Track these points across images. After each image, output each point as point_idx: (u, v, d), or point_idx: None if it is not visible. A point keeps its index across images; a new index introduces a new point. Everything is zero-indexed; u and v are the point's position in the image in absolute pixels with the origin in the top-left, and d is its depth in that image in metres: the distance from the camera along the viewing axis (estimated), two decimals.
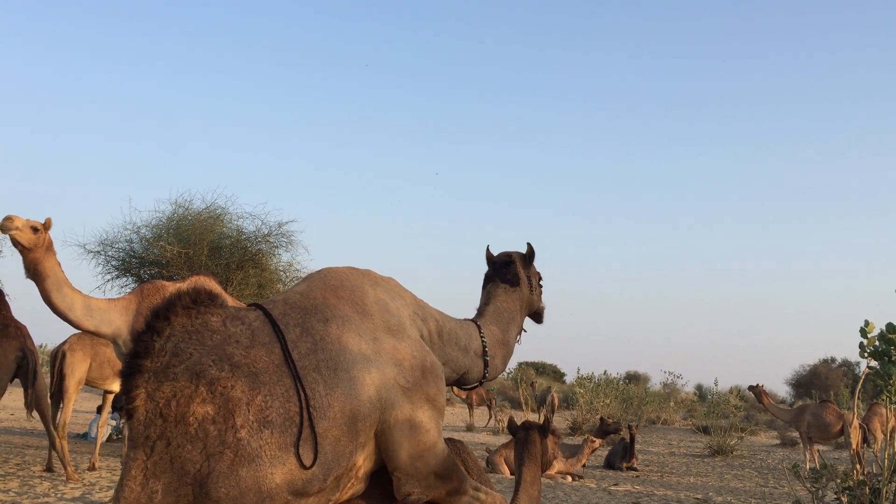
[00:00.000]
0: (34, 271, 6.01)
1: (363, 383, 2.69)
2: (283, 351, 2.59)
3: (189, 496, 2.36)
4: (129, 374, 2.46)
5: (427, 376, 2.96)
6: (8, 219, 5.86)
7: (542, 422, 4.21)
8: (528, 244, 4.23)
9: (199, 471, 2.36)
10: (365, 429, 2.71)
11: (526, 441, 4.12)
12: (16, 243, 5.89)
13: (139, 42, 58.31)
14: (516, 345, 4.22)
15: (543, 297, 4.40)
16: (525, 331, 4.33)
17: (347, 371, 2.67)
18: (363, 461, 2.79)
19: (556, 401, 25.69)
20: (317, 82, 63.02)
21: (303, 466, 2.48)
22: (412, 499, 2.92)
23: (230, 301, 3.07)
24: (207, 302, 2.62)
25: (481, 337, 3.76)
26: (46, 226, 6.06)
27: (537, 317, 4.38)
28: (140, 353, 2.47)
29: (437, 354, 3.39)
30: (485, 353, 3.75)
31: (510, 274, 4.12)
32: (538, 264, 4.35)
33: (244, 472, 2.38)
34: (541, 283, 4.33)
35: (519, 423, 4.23)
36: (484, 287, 4.16)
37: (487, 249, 4.24)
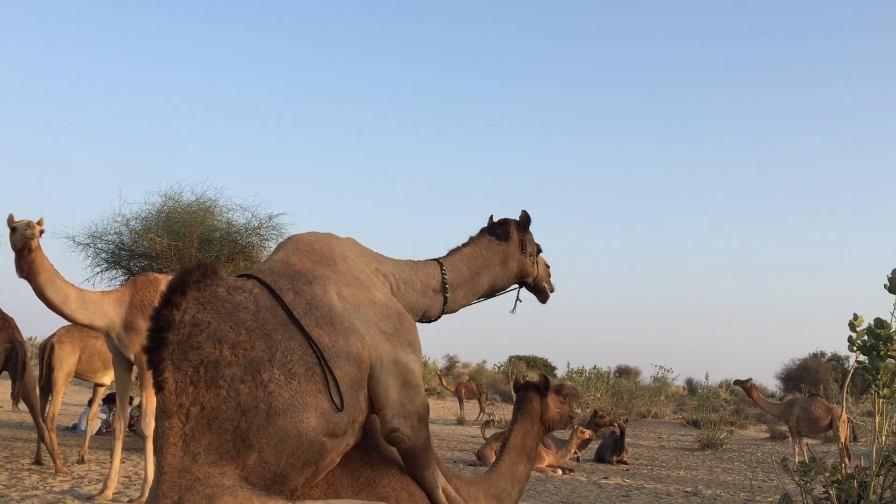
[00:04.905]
0: (29, 270, 6.01)
1: (355, 333, 2.88)
2: (286, 312, 2.75)
3: (232, 451, 2.48)
4: (153, 348, 2.56)
5: (403, 322, 3.17)
6: (32, 226, 5.98)
7: (540, 379, 4.21)
8: (523, 211, 4.36)
9: (237, 427, 2.48)
10: (363, 374, 2.88)
11: (523, 399, 4.16)
12: (26, 248, 5.94)
13: (129, 33, 58.01)
14: (511, 314, 4.41)
15: (553, 281, 4.50)
16: (520, 301, 4.44)
17: (341, 323, 2.86)
18: (365, 406, 2.95)
19: None
20: (307, 73, 62.87)
21: (335, 408, 2.67)
22: (397, 435, 3.03)
23: None
24: (212, 275, 2.76)
25: (442, 273, 3.94)
26: (41, 225, 6.13)
27: (539, 292, 4.47)
28: (162, 326, 2.57)
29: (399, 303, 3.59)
30: (444, 289, 3.92)
31: (500, 230, 4.26)
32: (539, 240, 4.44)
33: (281, 422, 2.52)
34: (541, 254, 4.43)
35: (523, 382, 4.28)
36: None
37: (490, 218, 4.38)
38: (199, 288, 2.68)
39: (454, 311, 4.08)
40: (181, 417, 2.49)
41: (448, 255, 4.13)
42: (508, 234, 4.26)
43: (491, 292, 4.28)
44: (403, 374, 3.03)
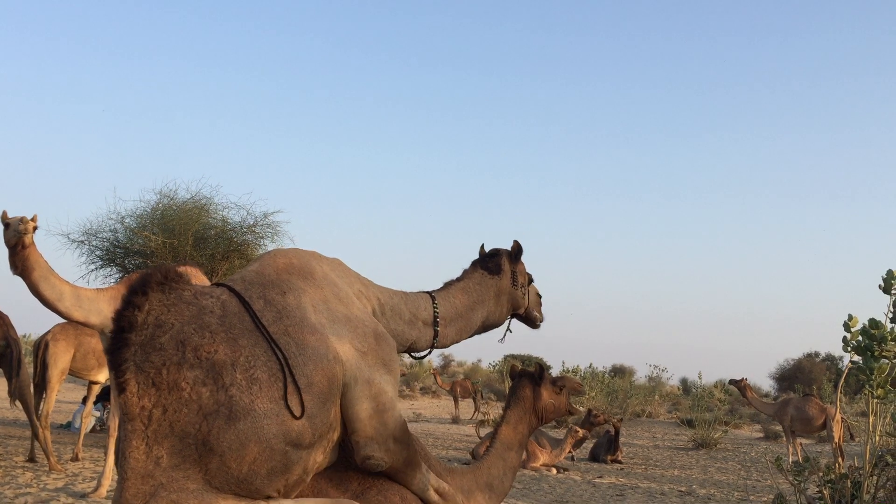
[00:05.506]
0: (23, 266, 5.98)
1: (327, 345, 2.84)
2: (253, 318, 2.72)
3: (194, 455, 2.46)
4: (115, 350, 2.52)
5: (380, 342, 3.11)
6: (26, 222, 5.93)
7: (535, 367, 4.19)
8: (515, 241, 4.31)
9: (199, 430, 2.45)
10: (333, 389, 2.83)
11: (516, 386, 4.14)
12: (20, 244, 5.90)
13: (124, 30, 57.87)
14: (500, 343, 4.40)
15: (543, 309, 4.47)
16: (510, 331, 4.42)
17: (312, 334, 2.82)
18: (336, 423, 2.90)
19: None
20: (305, 71, 62.78)
21: (293, 416, 2.61)
22: (372, 462, 2.98)
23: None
24: (176, 278, 2.73)
25: (434, 307, 3.88)
26: (34, 222, 6.07)
27: (529, 322, 4.44)
28: (124, 327, 2.54)
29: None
30: (435, 323, 3.87)
31: (492, 263, 4.22)
32: (531, 267, 4.40)
33: (241, 426, 2.49)
34: (532, 283, 4.39)
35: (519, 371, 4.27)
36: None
37: (481, 247, 4.34)
38: (164, 290, 2.65)
39: (445, 346, 4.01)
40: (143, 420, 2.45)
41: (441, 288, 4.07)
42: (500, 267, 4.20)
43: (483, 328, 4.23)
44: (376, 396, 2.96)
